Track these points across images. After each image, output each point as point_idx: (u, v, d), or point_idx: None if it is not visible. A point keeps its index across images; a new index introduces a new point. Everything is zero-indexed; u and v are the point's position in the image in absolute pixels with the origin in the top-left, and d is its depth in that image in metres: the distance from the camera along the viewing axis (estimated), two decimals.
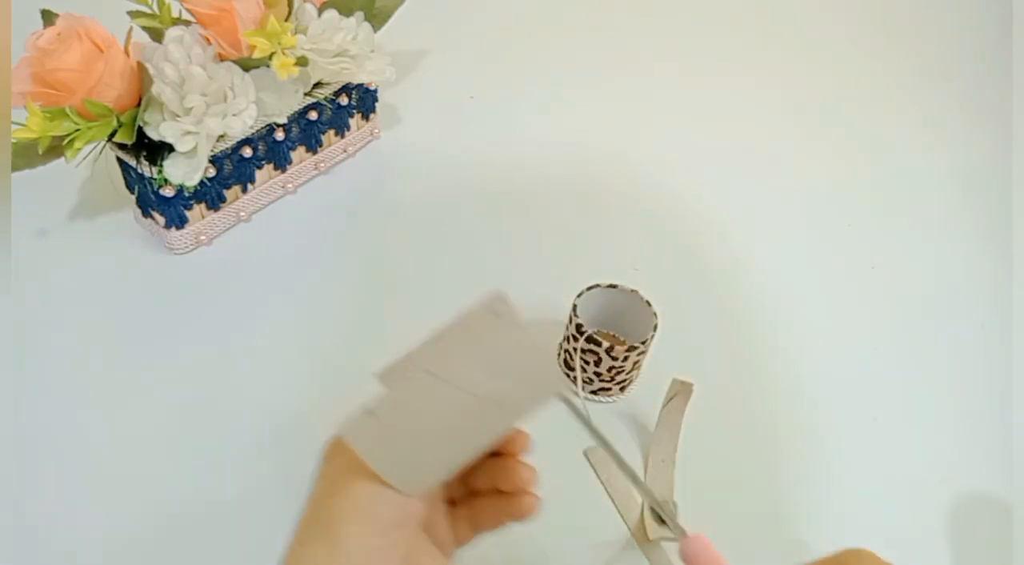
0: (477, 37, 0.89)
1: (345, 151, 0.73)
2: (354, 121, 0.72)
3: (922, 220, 0.74)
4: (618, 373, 0.54)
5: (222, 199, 0.64)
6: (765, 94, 0.86)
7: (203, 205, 0.63)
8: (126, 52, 0.56)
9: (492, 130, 0.78)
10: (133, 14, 0.59)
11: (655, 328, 0.53)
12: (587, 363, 0.54)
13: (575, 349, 0.54)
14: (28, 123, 0.51)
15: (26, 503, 0.49)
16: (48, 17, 0.57)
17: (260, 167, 0.66)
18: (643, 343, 0.53)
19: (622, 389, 0.56)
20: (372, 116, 0.74)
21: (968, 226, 0.74)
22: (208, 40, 0.58)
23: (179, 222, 0.62)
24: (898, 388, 0.61)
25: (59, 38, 0.53)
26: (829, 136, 0.82)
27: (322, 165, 0.71)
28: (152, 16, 0.59)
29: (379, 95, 0.73)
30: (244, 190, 0.66)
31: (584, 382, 0.55)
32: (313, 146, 0.69)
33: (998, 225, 0.74)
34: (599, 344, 0.52)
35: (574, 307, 0.54)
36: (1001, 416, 0.60)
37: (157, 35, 0.58)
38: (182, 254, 0.64)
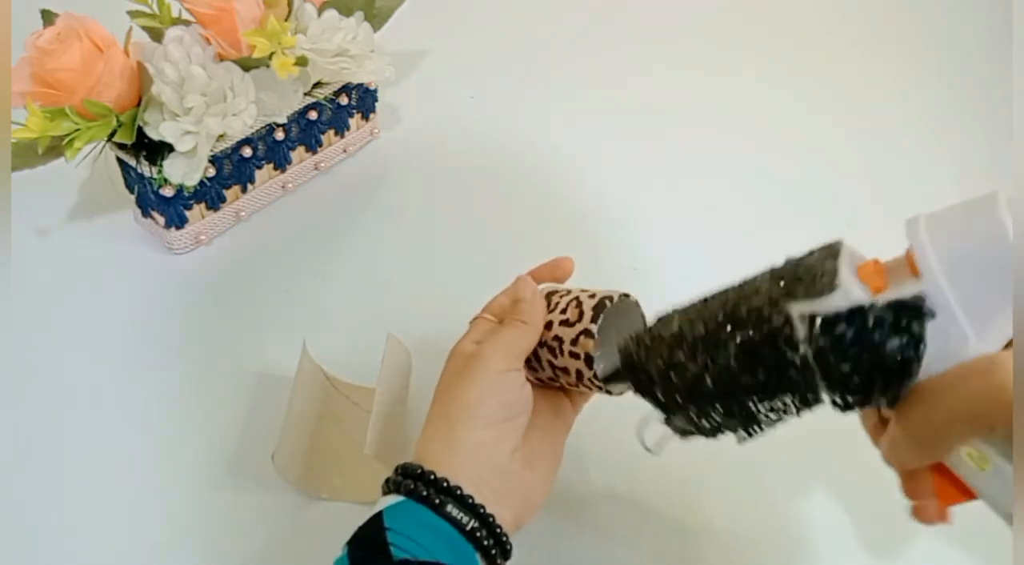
0: (477, 37, 0.89)
1: (345, 151, 0.73)
2: (354, 121, 0.72)
3: None
4: (553, 378, 0.45)
5: (222, 199, 0.64)
6: (765, 94, 0.86)
7: (203, 205, 0.63)
8: (126, 52, 0.56)
9: (492, 130, 0.78)
10: (133, 14, 0.59)
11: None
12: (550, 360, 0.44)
13: (555, 364, 0.44)
14: (28, 123, 0.51)
15: (25, 502, 0.49)
16: (48, 17, 0.57)
17: (260, 167, 0.66)
18: (608, 392, 0.43)
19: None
20: (372, 116, 0.74)
21: None
22: (208, 40, 0.58)
23: (179, 222, 0.62)
24: None
25: (59, 38, 0.53)
26: (829, 136, 0.82)
27: (322, 165, 0.71)
28: (152, 16, 0.59)
29: (379, 95, 0.73)
30: (244, 190, 0.66)
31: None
32: (313, 146, 0.69)
33: None
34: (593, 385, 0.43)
35: (592, 334, 0.42)
36: None
37: (157, 35, 0.58)
38: (182, 254, 0.64)
